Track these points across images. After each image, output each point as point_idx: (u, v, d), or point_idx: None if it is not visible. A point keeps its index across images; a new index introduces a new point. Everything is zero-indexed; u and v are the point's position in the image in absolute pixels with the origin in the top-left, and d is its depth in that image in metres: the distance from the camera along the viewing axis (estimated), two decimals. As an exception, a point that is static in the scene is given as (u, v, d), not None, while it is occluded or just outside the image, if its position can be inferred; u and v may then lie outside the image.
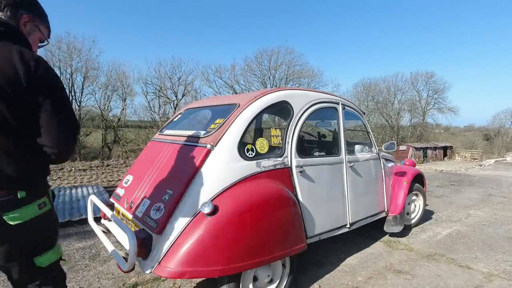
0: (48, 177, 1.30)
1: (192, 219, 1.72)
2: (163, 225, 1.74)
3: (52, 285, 1.28)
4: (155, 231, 1.74)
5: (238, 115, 2.07)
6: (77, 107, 20.70)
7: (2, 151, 1.06)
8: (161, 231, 1.74)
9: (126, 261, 1.65)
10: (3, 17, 1.10)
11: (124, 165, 13.03)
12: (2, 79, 0.99)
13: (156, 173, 2.16)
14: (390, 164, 3.58)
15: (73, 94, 20.57)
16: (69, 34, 21.00)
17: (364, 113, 3.30)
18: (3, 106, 1.01)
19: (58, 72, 19.72)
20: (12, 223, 1.10)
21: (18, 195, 1.10)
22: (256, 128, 2.58)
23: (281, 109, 2.39)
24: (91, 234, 3.40)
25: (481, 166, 15.51)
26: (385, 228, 3.28)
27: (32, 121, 1.08)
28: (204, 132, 2.12)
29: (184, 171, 1.91)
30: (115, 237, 2.09)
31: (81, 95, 21.24)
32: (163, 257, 1.65)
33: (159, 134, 2.73)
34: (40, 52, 1.28)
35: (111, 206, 2.37)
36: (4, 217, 1.07)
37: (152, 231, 1.77)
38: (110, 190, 5.22)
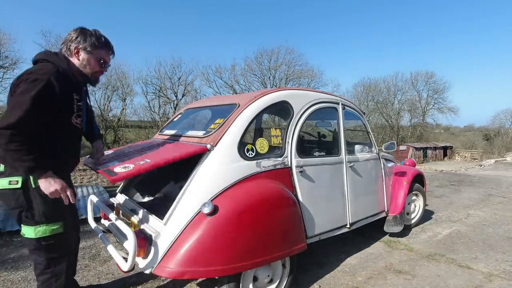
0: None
1: (192, 219, 1.71)
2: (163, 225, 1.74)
3: (35, 256, 1.64)
4: (155, 231, 1.74)
5: (238, 115, 2.07)
6: (77, 107, 20.63)
7: None
8: (161, 231, 1.74)
9: (126, 261, 1.66)
10: (62, 49, 1.69)
11: (124, 165, 12.98)
12: None
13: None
14: (390, 164, 3.58)
15: (73, 94, 20.47)
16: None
17: (364, 113, 3.30)
18: None
19: (58, 72, 19.84)
20: None
21: (0, 168, 1.58)
22: (256, 128, 2.58)
23: (281, 109, 2.38)
24: (91, 234, 3.40)
25: (481, 166, 15.51)
26: (385, 228, 3.28)
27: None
28: (204, 132, 2.12)
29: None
30: (115, 237, 2.09)
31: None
32: (163, 257, 1.65)
33: (159, 134, 2.73)
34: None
35: (111, 206, 2.37)
36: None
37: (152, 231, 1.77)
38: (110, 190, 5.22)
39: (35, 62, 1.63)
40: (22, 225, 1.60)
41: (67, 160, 1.76)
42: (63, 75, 1.57)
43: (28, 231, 1.59)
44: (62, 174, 1.64)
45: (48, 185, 1.52)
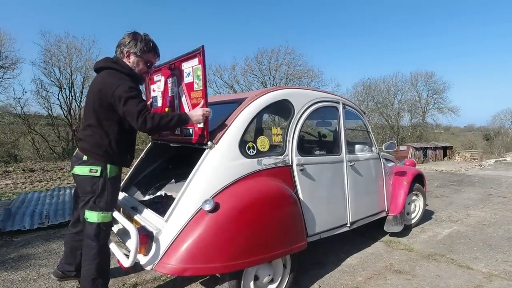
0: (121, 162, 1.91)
1: (194, 216, 1.72)
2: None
3: (90, 240, 1.79)
4: (156, 228, 1.74)
5: (240, 113, 2.06)
6: (77, 107, 20.65)
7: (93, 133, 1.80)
8: (163, 227, 1.74)
9: (127, 258, 1.66)
10: (116, 52, 1.91)
11: (124, 164, 12.99)
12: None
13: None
14: (390, 164, 3.58)
15: (73, 94, 20.56)
16: (68, 34, 20.96)
17: (364, 113, 3.30)
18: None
19: (57, 72, 19.78)
20: (74, 172, 1.80)
21: (83, 157, 1.78)
22: (257, 126, 2.58)
23: (282, 108, 2.38)
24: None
25: (481, 166, 15.52)
26: (385, 228, 3.28)
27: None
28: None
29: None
30: (116, 234, 2.10)
31: (81, 95, 21.09)
32: (165, 253, 1.65)
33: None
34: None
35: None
36: (74, 167, 1.80)
37: (153, 228, 1.77)
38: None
39: (100, 69, 1.86)
40: (87, 210, 1.78)
41: (131, 153, 2.01)
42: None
43: (92, 216, 1.77)
44: (126, 164, 1.96)
45: (196, 117, 1.83)
